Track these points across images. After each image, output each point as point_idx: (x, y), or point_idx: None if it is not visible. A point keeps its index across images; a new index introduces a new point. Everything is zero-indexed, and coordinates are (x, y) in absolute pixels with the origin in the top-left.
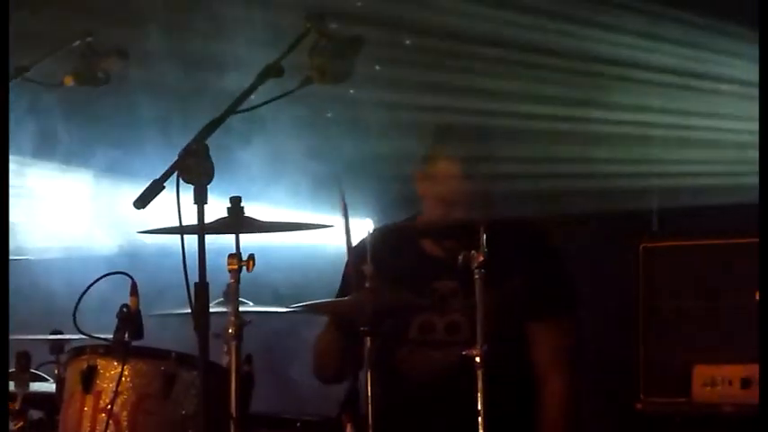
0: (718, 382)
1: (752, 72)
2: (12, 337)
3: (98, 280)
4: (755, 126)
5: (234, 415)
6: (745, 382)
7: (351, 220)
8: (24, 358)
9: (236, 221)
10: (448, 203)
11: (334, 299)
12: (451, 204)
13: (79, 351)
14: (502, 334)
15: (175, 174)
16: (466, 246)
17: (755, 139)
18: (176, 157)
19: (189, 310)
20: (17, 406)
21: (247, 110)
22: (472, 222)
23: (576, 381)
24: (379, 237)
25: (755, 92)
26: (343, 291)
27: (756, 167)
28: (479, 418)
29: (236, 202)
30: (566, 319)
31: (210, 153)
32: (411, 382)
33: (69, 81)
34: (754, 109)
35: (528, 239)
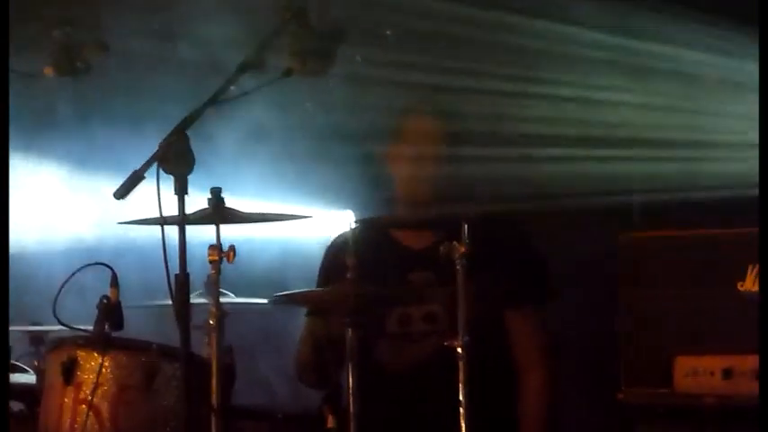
0: (699, 372)
1: (736, 66)
2: None
3: (78, 271)
4: (740, 119)
5: (215, 407)
6: (727, 373)
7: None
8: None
9: (217, 212)
10: (419, 173)
11: (315, 290)
12: (422, 175)
13: (59, 342)
14: (481, 324)
15: (156, 164)
16: (443, 236)
17: (739, 131)
18: (156, 148)
19: (170, 302)
20: None
21: (227, 100)
22: (453, 214)
23: (557, 368)
24: (356, 230)
25: (739, 86)
26: (320, 285)
27: (739, 161)
28: (461, 409)
29: (216, 193)
30: (544, 307)
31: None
32: (391, 376)
33: (49, 71)
34: (738, 102)
35: (503, 229)
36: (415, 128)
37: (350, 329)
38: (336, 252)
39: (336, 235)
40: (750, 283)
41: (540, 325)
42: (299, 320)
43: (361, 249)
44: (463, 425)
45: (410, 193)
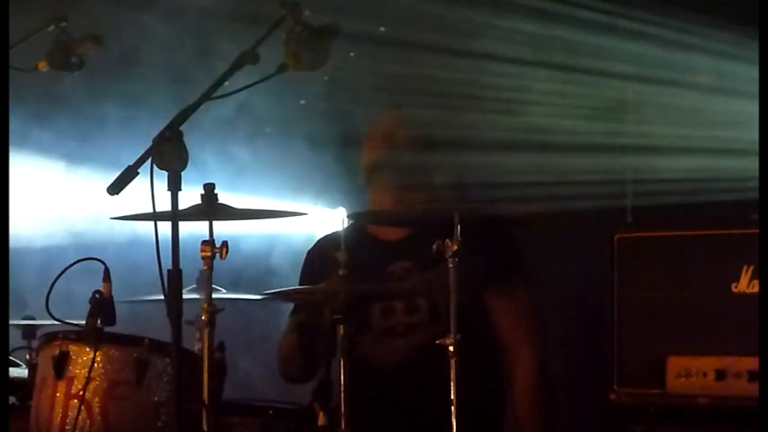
0: (692, 373)
1: (729, 67)
2: None
3: (71, 266)
4: (731, 123)
5: (206, 402)
6: (720, 374)
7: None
8: None
9: (210, 208)
10: (387, 178)
11: (306, 286)
12: (389, 180)
13: (51, 337)
14: (464, 314)
15: (149, 160)
16: (418, 228)
17: (732, 135)
18: (150, 144)
19: (162, 297)
20: None
21: (222, 96)
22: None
23: (545, 347)
24: (326, 237)
25: (730, 88)
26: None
27: (733, 162)
28: (452, 408)
29: (209, 188)
30: (524, 286)
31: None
32: (377, 371)
33: (43, 66)
34: (730, 105)
35: (477, 219)
36: (381, 131)
37: (341, 326)
38: (320, 254)
39: (320, 237)
40: (744, 285)
41: (523, 304)
42: (285, 315)
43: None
44: (454, 423)
45: (381, 195)
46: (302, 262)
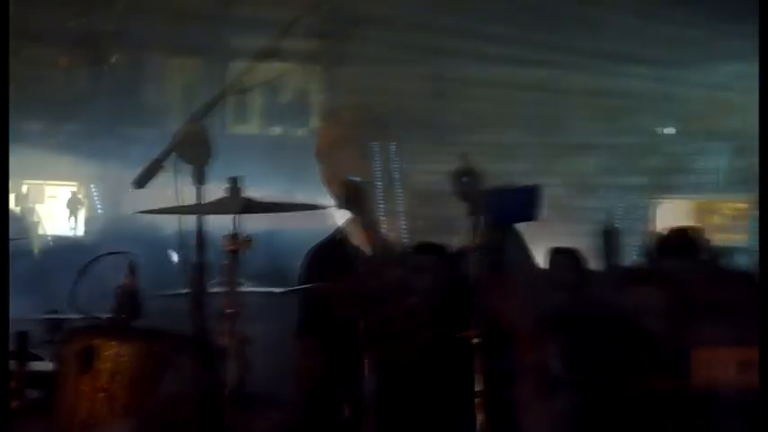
0: (715, 365)
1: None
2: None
3: (95, 259)
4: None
5: (229, 395)
6: (742, 366)
7: None
8: (22, 338)
9: (234, 202)
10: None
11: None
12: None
13: (76, 331)
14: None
15: (173, 154)
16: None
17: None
18: (174, 138)
19: (186, 291)
20: (15, 385)
21: (243, 91)
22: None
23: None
24: (317, 250)
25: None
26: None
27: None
28: (479, 399)
29: (234, 183)
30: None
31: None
32: (387, 376)
33: (65, 62)
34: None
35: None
36: (336, 139)
37: (363, 320)
38: (316, 267)
39: (307, 252)
40: None
41: (524, 294)
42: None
43: (329, 263)
44: (481, 416)
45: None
46: (301, 277)
